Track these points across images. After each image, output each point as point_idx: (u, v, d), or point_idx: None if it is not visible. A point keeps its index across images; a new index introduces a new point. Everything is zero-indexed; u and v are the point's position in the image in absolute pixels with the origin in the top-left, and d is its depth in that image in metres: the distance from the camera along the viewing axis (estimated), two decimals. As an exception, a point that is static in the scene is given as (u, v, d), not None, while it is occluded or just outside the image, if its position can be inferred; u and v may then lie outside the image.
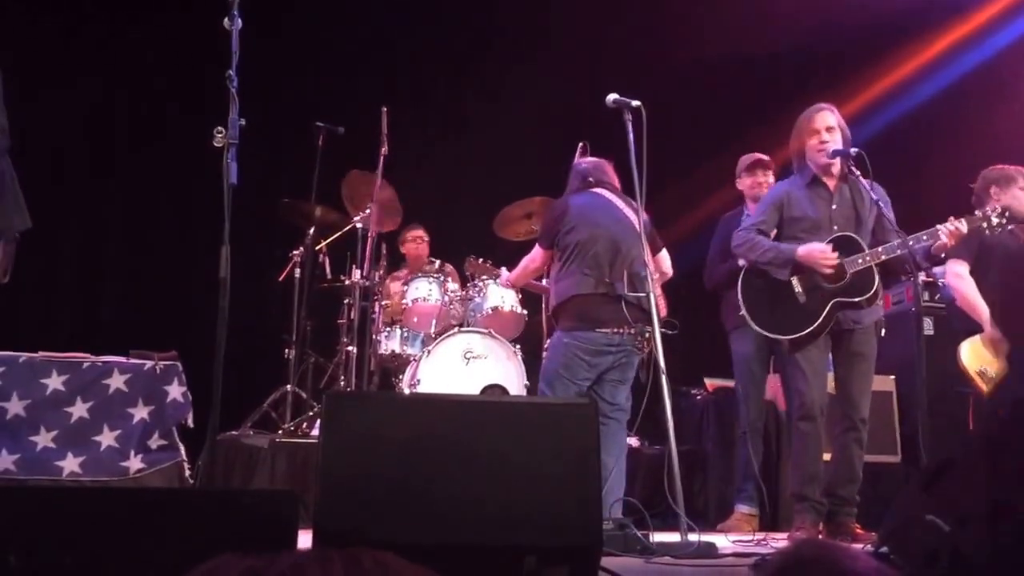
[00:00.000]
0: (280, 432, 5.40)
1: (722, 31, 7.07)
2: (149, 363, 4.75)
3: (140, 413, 4.70)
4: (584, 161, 4.88)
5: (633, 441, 5.75)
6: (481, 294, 5.90)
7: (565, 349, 4.40)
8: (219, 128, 3.26)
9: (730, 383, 5.34)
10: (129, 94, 6.37)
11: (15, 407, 4.52)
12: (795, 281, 4.32)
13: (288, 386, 5.75)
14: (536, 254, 4.79)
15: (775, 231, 4.43)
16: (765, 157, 5.30)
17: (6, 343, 4.62)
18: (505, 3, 7.23)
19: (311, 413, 5.57)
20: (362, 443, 2.59)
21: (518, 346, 5.73)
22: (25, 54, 3.66)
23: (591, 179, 4.65)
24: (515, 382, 5.54)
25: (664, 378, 3.77)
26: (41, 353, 4.65)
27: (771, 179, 5.20)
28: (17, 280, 3.66)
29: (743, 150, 5.42)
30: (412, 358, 5.72)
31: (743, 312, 4.47)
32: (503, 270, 5.24)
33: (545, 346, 4.74)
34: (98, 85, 6.26)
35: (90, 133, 6.40)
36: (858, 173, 4.31)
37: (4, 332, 4.45)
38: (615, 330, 4.33)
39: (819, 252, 4.25)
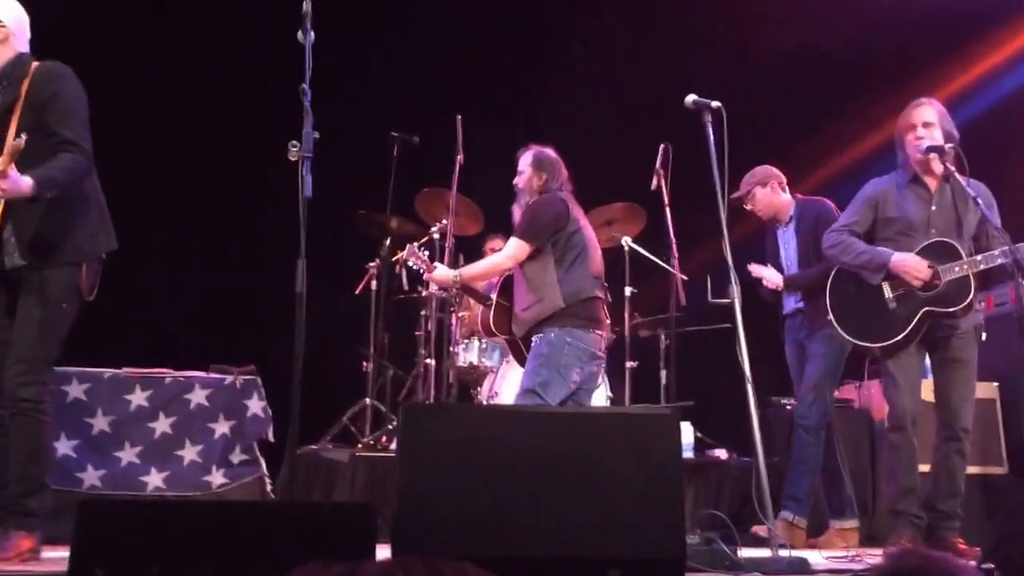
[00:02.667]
0: (359, 446, 5.39)
1: (801, 25, 6.89)
2: (229, 378, 4.80)
3: (221, 428, 4.75)
4: (551, 153, 4.60)
5: (721, 453, 5.61)
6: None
7: (567, 348, 4.24)
8: (294, 142, 3.26)
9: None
10: (205, 110, 6.47)
11: (100, 423, 4.60)
12: (886, 287, 4.15)
13: (367, 399, 5.75)
14: (520, 251, 4.35)
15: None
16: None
17: (91, 360, 4.70)
18: (578, 5, 7.17)
19: (390, 426, 5.56)
20: (440, 456, 2.56)
21: (599, 356, 5.65)
22: (100, 73, 3.71)
23: (563, 179, 4.55)
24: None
25: (750, 387, 3.63)
26: (125, 369, 4.74)
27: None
28: (100, 297, 3.71)
29: (819, 146, 5.26)
30: (490, 370, 5.68)
31: (830, 317, 4.31)
32: (439, 265, 4.64)
33: (534, 342, 4.31)
34: (174, 101, 6.38)
35: (167, 150, 6.51)
36: (953, 169, 4.11)
37: (89, 349, 4.52)
38: (605, 334, 4.40)
39: (912, 265, 4.07)
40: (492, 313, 4.76)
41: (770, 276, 4.93)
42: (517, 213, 4.56)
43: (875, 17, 6.85)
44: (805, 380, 4.75)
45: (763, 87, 6.85)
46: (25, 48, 3.58)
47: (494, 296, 4.80)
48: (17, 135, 3.32)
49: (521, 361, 4.56)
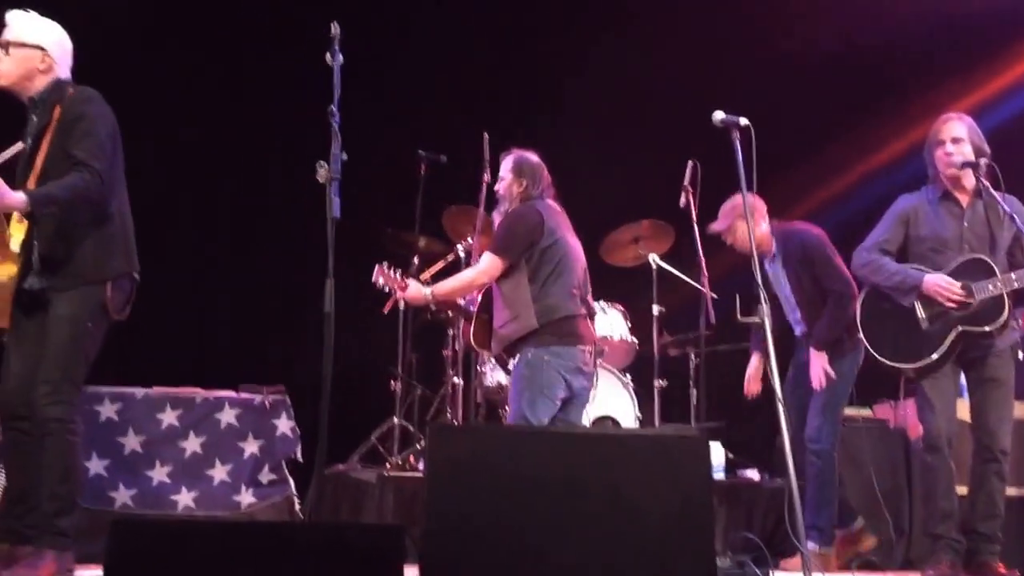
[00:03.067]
0: (387, 466, 5.38)
1: (828, 25, 6.85)
2: (258, 397, 4.82)
3: (251, 447, 4.77)
4: (532, 157, 4.45)
5: (752, 474, 5.55)
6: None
7: (546, 366, 4.09)
8: (321, 163, 3.27)
9: (857, 412, 5.08)
10: (232, 131, 6.53)
11: (132, 442, 4.63)
12: (919, 306, 4.09)
13: (394, 419, 5.74)
14: (493, 267, 4.19)
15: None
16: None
17: (123, 380, 4.74)
18: (606, 23, 7.17)
19: (418, 446, 5.54)
20: (468, 476, 2.54)
21: (629, 376, 5.61)
22: (130, 95, 3.77)
23: (545, 185, 4.39)
24: (627, 413, 5.42)
25: (781, 407, 3.58)
26: (156, 389, 4.76)
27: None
28: (131, 317, 3.74)
29: (847, 148, 5.16)
30: (518, 390, 5.64)
31: (860, 336, 4.26)
32: (412, 281, 4.43)
33: (513, 365, 4.19)
34: (200, 122, 6.43)
35: (196, 170, 6.57)
36: (987, 184, 4.05)
37: (121, 369, 4.56)
38: (590, 348, 4.24)
39: (944, 287, 4.02)
40: (473, 327, 4.64)
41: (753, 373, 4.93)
42: (497, 220, 4.45)
43: (904, 20, 6.78)
44: (813, 402, 4.62)
45: (791, 91, 6.80)
46: (65, 74, 3.63)
47: (474, 310, 4.59)
48: (47, 158, 3.39)
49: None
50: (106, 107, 3.57)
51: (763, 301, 3.66)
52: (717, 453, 5.41)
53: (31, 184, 3.43)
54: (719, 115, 3.75)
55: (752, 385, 4.99)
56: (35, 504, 3.43)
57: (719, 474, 5.38)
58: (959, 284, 4.00)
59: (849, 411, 5.13)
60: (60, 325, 3.45)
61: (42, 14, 3.65)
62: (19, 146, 3.63)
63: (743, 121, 3.73)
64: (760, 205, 4.76)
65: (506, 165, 4.43)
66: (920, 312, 4.09)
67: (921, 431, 4.20)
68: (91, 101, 3.54)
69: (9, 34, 3.56)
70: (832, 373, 4.54)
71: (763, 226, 4.76)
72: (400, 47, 6.72)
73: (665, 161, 5.86)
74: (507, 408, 5.69)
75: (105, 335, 3.60)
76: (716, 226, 4.83)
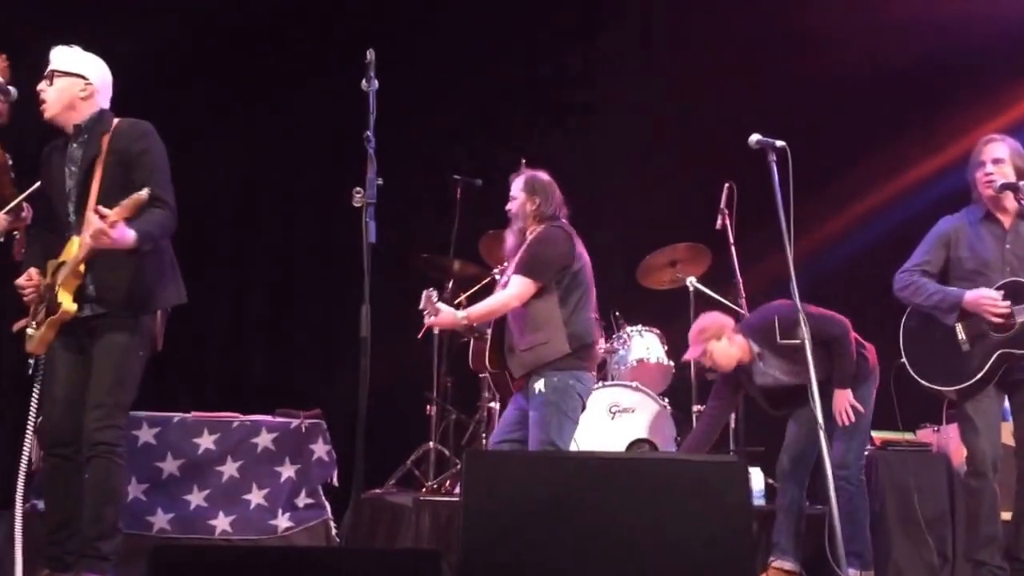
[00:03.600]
0: (423, 490, 5.38)
1: (863, 44, 6.80)
2: (295, 421, 4.83)
3: (287, 472, 4.78)
4: (544, 175, 4.42)
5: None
6: (625, 346, 5.78)
7: (571, 391, 4.10)
8: (357, 188, 3.30)
9: (900, 437, 4.99)
10: (269, 157, 6.60)
11: (170, 467, 4.66)
12: (959, 328, 4.04)
13: (430, 443, 5.74)
14: (525, 290, 4.15)
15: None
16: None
17: (161, 404, 4.78)
18: (639, 45, 7.17)
19: (454, 470, 5.53)
20: (504, 502, 2.53)
21: (666, 399, 5.57)
22: (169, 123, 3.82)
23: (558, 203, 4.36)
24: (665, 437, 5.37)
25: (823, 433, 3.53)
26: (193, 413, 4.80)
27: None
28: (169, 342, 3.78)
29: (879, 165, 5.08)
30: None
31: (903, 359, 4.21)
32: (444, 306, 4.29)
33: (538, 390, 4.09)
34: (236, 149, 6.50)
35: (233, 197, 6.65)
36: (1030, 206, 4.00)
37: (158, 394, 4.61)
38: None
39: (988, 300, 3.96)
40: (475, 347, 4.59)
41: None
42: (510, 240, 4.41)
43: (942, 35, 6.71)
44: (838, 430, 4.49)
45: (825, 109, 6.76)
46: (106, 105, 3.72)
47: (488, 331, 4.49)
48: (102, 189, 3.43)
49: (504, 396, 4.43)
50: (160, 140, 3.65)
51: (803, 323, 3.62)
52: (757, 479, 5.34)
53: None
54: (755, 137, 3.73)
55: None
56: (77, 530, 3.47)
57: (759, 500, 5.30)
58: (1001, 294, 3.95)
59: (891, 436, 5.05)
60: (112, 352, 3.50)
61: (84, 48, 3.74)
62: (37, 185, 3.71)
63: (779, 143, 3.71)
64: (727, 322, 4.67)
65: (517, 184, 4.42)
66: (960, 334, 4.04)
67: (964, 456, 4.12)
68: (150, 135, 3.62)
69: (53, 66, 3.66)
70: (859, 407, 4.48)
71: (737, 339, 4.61)
72: (435, 71, 6.77)
73: (701, 183, 5.84)
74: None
75: (149, 363, 3.65)
76: (689, 355, 4.73)
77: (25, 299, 3.59)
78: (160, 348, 3.71)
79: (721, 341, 4.60)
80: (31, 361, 3.62)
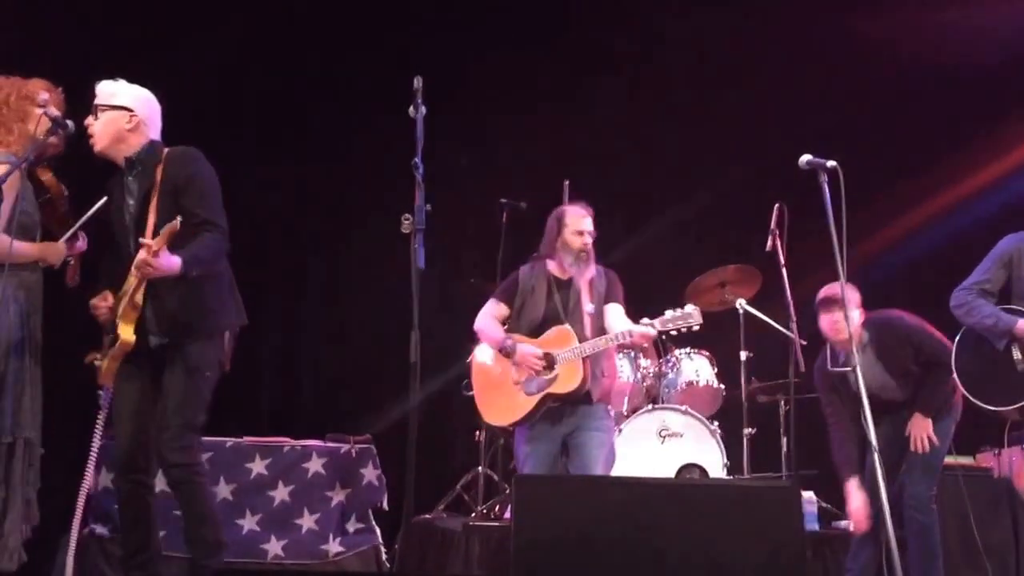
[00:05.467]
0: (473, 515, 5.36)
1: (922, 47, 6.72)
2: (345, 446, 4.86)
3: (338, 496, 4.81)
4: None
5: (848, 525, 5.35)
6: (675, 369, 5.74)
7: None
8: (406, 215, 3.32)
9: (957, 461, 4.87)
10: (320, 185, 6.67)
11: (223, 491, 4.71)
12: (1015, 348, 3.96)
13: (479, 468, 5.73)
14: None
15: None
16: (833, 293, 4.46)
17: (213, 429, 4.82)
18: (685, 64, 7.15)
19: (503, 496, 5.51)
20: (555, 528, 2.52)
21: (716, 423, 5.50)
22: (221, 149, 3.88)
23: None
24: (715, 461, 5.30)
25: (877, 456, 3.46)
26: (246, 438, 4.84)
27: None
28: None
29: (940, 174, 4.98)
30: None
31: (955, 378, 4.12)
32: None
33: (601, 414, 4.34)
34: (288, 176, 6.58)
35: (284, 223, 6.73)
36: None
37: (211, 418, 4.66)
38: None
39: None
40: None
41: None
42: (591, 273, 4.46)
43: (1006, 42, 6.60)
44: (911, 460, 4.41)
45: (879, 119, 6.70)
46: (156, 136, 3.72)
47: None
48: (158, 219, 3.48)
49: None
50: (210, 165, 3.68)
51: (855, 351, 3.56)
52: (810, 502, 5.25)
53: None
54: (806, 158, 3.69)
55: (861, 523, 4.49)
56: (156, 550, 3.55)
57: (812, 525, 5.21)
58: None
59: (948, 460, 4.94)
60: (180, 377, 3.53)
61: (142, 83, 3.76)
62: (103, 201, 3.74)
63: (830, 163, 3.66)
64: (854, 295, 4.51)
65: (591, 220, 4.49)
66: (1016, 354, 3.98)
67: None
68: (198, 160, 3.65)
69: (97, 100, 3.69)
70: (936, 439, 4.37)
71: (855, 315, 4.45)
72: (482, 97, 6.81)
73: (751, 204, 5.78)
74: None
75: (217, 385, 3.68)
76: (830, 319, 4.51)
77: (99, 319, 3.63)
78: (228, 369, 3.74)
79: (855, 312, 4.44)
80: (100, 392, 3.69)
